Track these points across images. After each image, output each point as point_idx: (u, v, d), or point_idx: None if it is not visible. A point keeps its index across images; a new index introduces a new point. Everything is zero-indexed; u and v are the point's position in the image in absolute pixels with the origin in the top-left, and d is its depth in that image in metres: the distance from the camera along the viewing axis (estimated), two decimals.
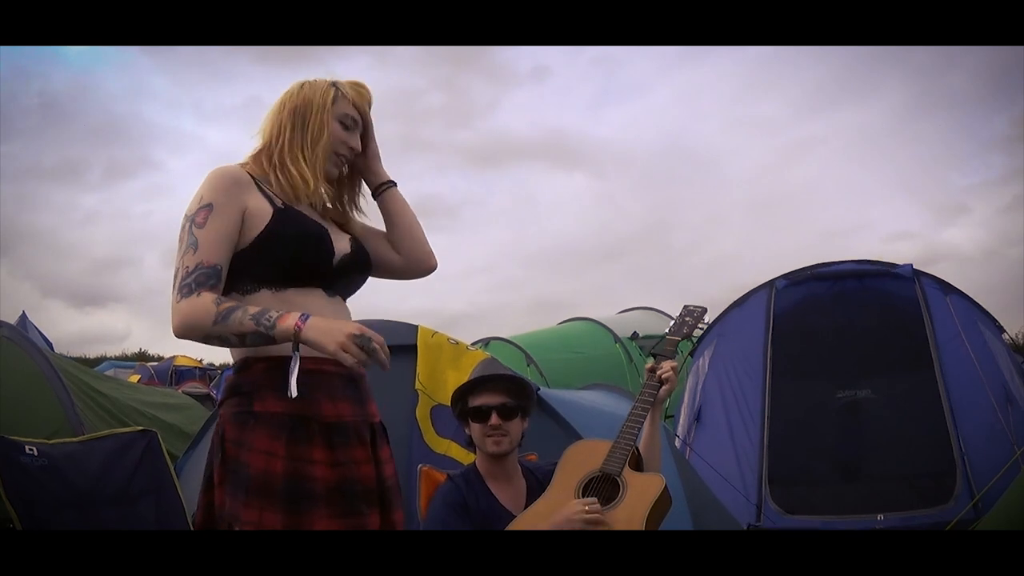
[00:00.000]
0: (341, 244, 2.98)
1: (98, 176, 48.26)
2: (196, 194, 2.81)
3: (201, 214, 2.77)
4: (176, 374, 20.12)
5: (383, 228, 3.25)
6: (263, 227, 2.81)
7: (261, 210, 2.83)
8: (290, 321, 2.64)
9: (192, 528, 2.89)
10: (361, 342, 2.62)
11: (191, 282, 2.71)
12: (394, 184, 3.24)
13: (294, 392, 2.65)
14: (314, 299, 2.86)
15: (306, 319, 2.65)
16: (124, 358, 28.54)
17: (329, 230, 2.96)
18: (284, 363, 2.72)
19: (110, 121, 46.68)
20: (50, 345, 14.85)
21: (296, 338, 2.64)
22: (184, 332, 2.70)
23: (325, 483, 2.71)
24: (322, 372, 2.80)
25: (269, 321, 2.65)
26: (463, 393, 3.95)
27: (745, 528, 6.71)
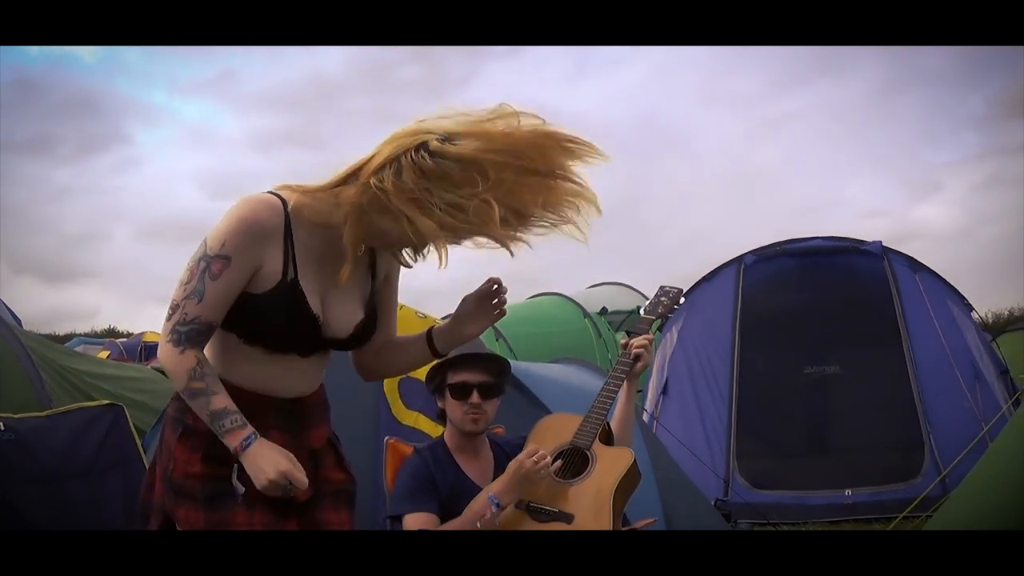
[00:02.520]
0: (339, 327, 2.86)
1: (70, 150, 47.75)
2: (222, 230, 2.71)
3: (217, 264, 2.69)
4: (145, 350, 19.99)
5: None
6: (260, 292, 2.75)
7: (269, 275, 2.75)
8: (235, 442, 2.67)
9: (139, 500, 2.95)
10: (283, 490, 2.68)
11: (184, 333, 2.71)
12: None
13: (239, 492, 2.74)
14: (285, 363, 2.83)
15: (247, 445, 2.67)
16: (94, 335, 28.27)
17: (332, 311, 2.85)
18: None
19: (83, 95, 46.16)
20: (19, 322, 14.74)
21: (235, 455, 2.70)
22: (163, 368, 2.81)
23: (248, 486, 2.74)
24: (259, 403, 2.80)
25: (221, 429, 2.68)
26: (442, 367, 3.93)
27: (713, 503, 6.73)
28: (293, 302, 2.75)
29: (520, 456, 3.62)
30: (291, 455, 2.70)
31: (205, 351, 2.78)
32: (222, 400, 2.70)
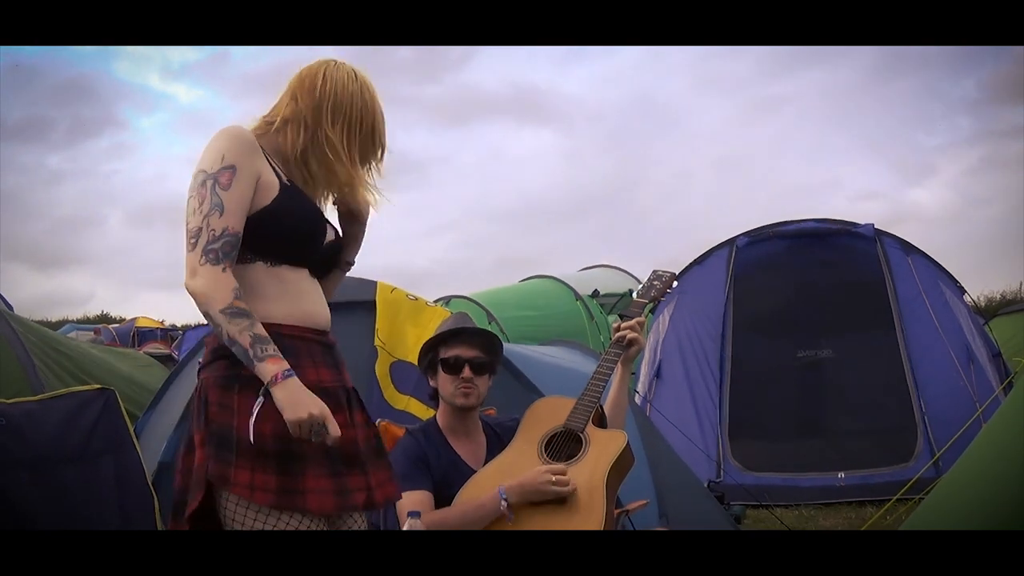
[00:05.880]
0: (329, 228, 3.03)
1: (63, 135, 47.72)
2: (214, 150, 2.78)
3: (225, 175, 2.75)
4: (138, 335, 20.00)
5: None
6: (270, 201, 2.82)
7: (271, 183, 2.84)
8: (276, 368, 2.63)
9: (174, 490, 2.86)
10: (315, 431, 2.63)
11: (219, 249, 2.70)
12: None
13: (251, 434, 2.65)
14: (302, 278, 2.90)
15: (289, 376, 2.64)
16: (86, 321, 28.29)
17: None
18: (268, 330, 2.72)
19: (76, 79, 46.13)
20: (10, 307, 14.71)
21: (268, 385, 2.64)
22: (197, 297, 2.70)
23: (311, 444, 2.69)
24: (304, 339, 2.83)
25: (261, 354, 2.64)
26: (435, 343, 3.94)
27: (705, 485, 6.74)
28: (300, 202, 2.91)
29: (545, 471, 3.59)
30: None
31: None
32: (262, 327, 2.68)
